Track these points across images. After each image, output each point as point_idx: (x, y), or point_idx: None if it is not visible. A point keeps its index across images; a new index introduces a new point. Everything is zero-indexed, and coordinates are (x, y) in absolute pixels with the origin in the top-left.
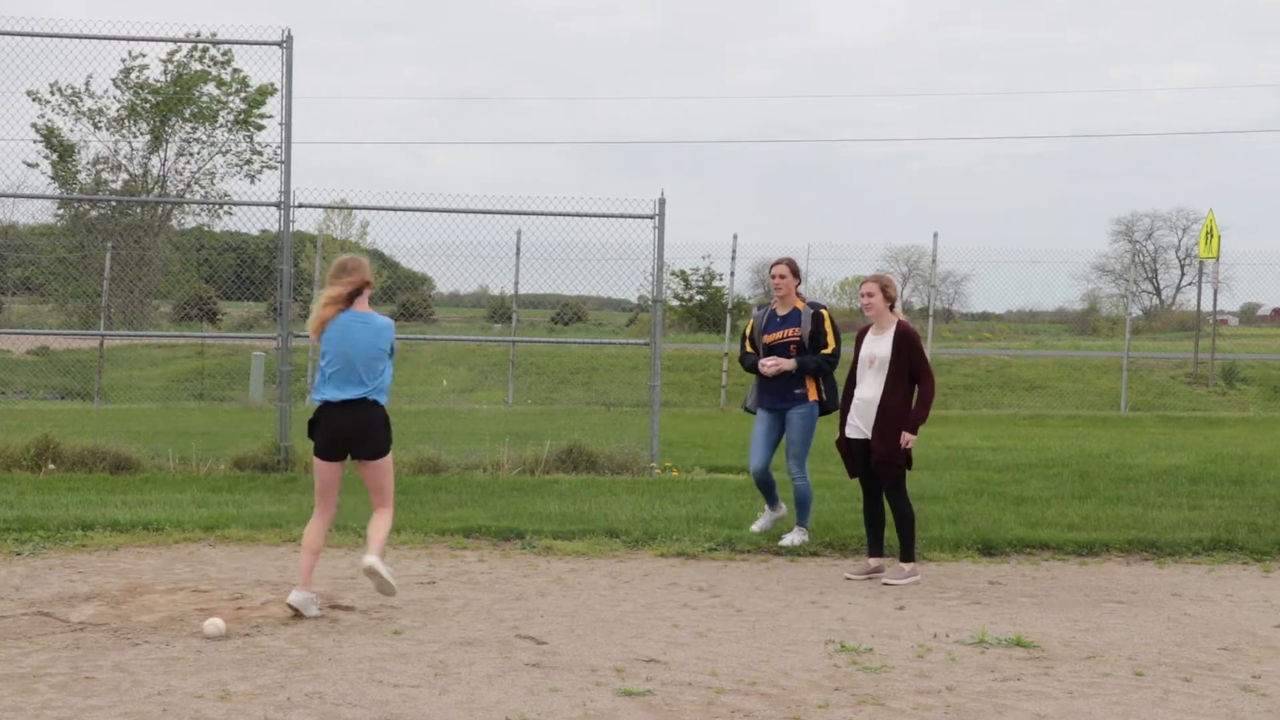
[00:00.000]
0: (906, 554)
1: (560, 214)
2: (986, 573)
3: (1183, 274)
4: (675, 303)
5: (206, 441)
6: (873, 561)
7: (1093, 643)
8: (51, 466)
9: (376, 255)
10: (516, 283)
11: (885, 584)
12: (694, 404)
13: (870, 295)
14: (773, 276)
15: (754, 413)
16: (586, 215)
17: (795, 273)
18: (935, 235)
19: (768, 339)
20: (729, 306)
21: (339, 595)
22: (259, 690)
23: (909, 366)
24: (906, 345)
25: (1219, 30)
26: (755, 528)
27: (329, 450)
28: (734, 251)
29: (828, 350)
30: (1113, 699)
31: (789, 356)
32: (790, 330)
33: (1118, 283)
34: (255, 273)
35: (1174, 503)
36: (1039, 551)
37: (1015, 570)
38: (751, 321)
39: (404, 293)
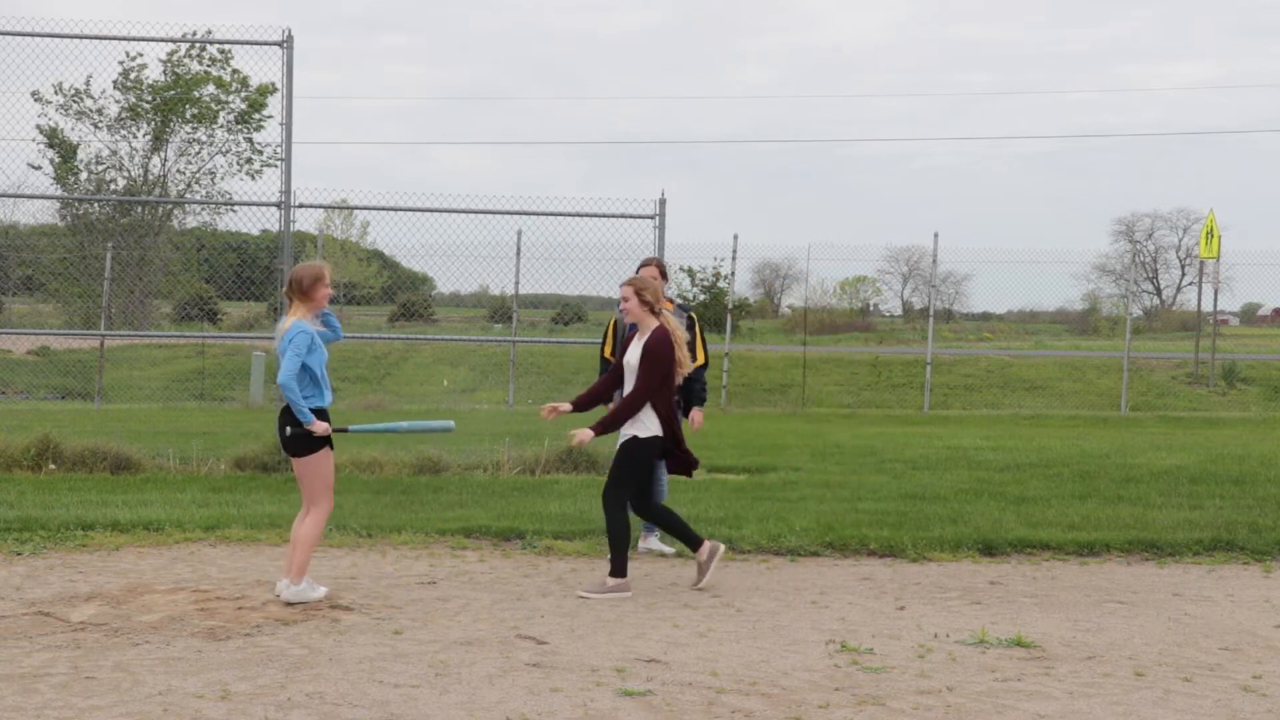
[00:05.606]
0: (616, 569)
1: (561, 214)
2: (987, 573)
3: (1183, 274)
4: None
5: (207, 441)
6: (703, 552)
7: (1093, 643)
8: (52, 466)
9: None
10: (517, 283)
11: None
12: None
13: (625, 300)
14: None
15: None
16: (587, 215)
17: (664, 274)
18: (936, 235)
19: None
20: (730, 306)
21: (339, 595)
22: (259, 690)
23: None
24: (646, 351)
25: (1220, 29)
26: (663, 548)
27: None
28: (734, 251)
29: (699, 363)
30: (1113, 699)
31: None
32: None
33: (1118, 283)
34: (256, 272)
35: (1174, 503)
36: (1039, 551)
37: (1016, 570)
38: (615, 320)
39: (404, 293)
